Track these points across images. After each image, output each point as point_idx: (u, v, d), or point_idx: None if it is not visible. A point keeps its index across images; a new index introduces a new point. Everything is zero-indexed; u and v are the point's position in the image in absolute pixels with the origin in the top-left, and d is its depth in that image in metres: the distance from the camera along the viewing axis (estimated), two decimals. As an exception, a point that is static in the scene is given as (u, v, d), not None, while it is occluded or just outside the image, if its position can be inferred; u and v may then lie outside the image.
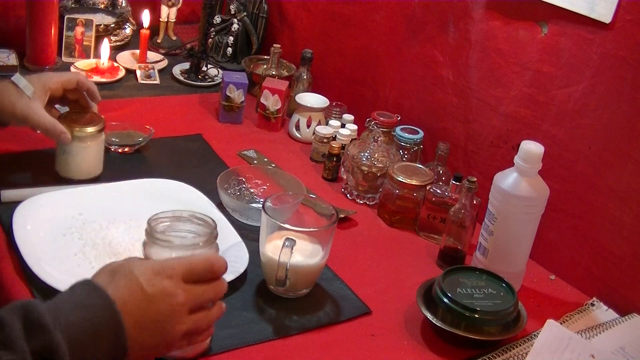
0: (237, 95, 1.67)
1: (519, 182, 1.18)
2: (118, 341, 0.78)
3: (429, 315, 1.10)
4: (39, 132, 1.47)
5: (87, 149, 1.31)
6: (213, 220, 0.98)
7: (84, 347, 0.76)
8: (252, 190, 1.39)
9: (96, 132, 1.31)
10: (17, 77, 1.24)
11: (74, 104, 1.35)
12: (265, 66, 1.84)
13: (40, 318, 0.74)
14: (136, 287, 0.80)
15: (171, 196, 1.27)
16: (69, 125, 1.28)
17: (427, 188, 1.35)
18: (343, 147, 1.51)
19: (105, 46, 1.79)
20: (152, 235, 0.94)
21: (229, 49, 2.01)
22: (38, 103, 1.24)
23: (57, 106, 1.36)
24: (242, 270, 1.14)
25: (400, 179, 1.36)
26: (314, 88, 1.77)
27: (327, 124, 1.63)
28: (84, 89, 1.33)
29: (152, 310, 0.80)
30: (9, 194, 1.23)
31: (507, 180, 1.19)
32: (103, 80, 1.76)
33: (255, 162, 1.53)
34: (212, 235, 0.96)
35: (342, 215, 1.36)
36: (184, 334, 0.84)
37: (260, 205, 1.14)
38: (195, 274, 0.85)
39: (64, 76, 1.32)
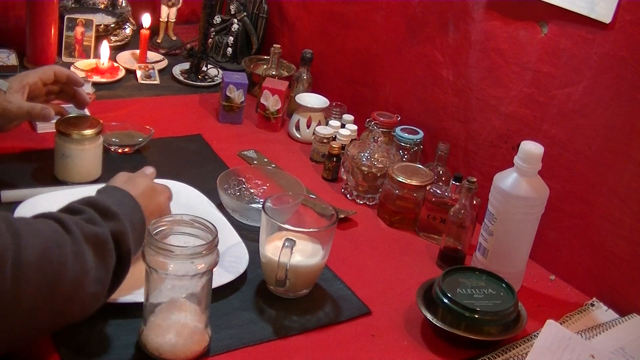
0: (237, 96, 1.67)
1: (519, 183, 1.18)
2: (143, 227, 1.00)
3: (429, 316, 1.10)
4: (39, 131, 1.48)
5: (85, 151, 1.31)
6: (214, 226, 0.97)
7: (133, 234, 0.97)
8: (252, 191, 1.39)
9: (94, 134, 1.31)
10: None
11: (63, 95, 1.35)
12: (265, 66, 1.84)
13: (110, 207, 0.95)
14: (145, 188, 1.08)
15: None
16: (66, 128, 1.29)
17: (427, 188, 1.35)
18: (343, 147, 1.51)
19: (105, 48, 1.79)
20: (151, 243, 0.93)
21: (229, 49, 2.01)
22: (16, 96, 1.24)
23: (64, 106, 1.36)
24: (242, 270, 1.15)
25: (400, 179, 1.36)
26: (314, 88, 1.77)
27: (327, 124, 1.63)
28: (63, 79, 1.33)
29: (150, 195, 1.08)
30: (9, 194, 1.23)
31: (507, 180, 1.19)
32: (103, 80, 1.76)
33: (255, 162, 1.53)
34: (212, 244, 0.95)
35: (342, 216, 1.36)
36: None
37: (260, 206, 1.14)
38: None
39: (41, 70, 1.32)
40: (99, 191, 1.03)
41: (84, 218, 0.92)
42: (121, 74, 1.82)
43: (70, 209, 0.95)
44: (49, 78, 1.31)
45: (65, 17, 1.82)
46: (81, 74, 1.72)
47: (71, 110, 1.38)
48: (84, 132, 1.30)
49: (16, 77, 1.28)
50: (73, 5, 1.95)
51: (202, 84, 1.86)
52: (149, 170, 1.15)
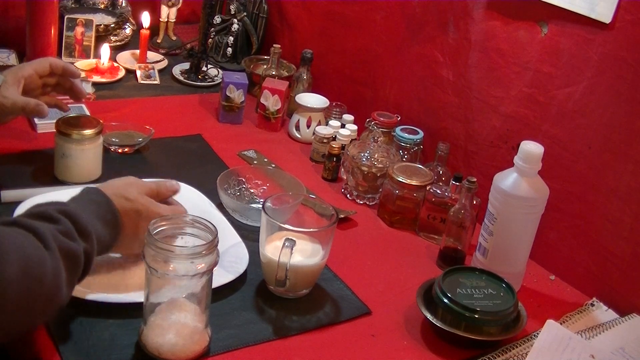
0: (237, 96, 1.67)
1: (519, 183, 1.18)
2: (114, 241, 1.02)
3: (429, 316, 1.10)
4: (39, 131, 1.48)
5: (85, 151, 1.31)
6: (214, 226, 0.97)
7: (100, 249, 0.98)
8: (252, 191, 1.39)
9: (94, 134, 1.31)
10: None
11: (59, 88, 1.34)
12: (265, 66, 1.84)
13: (86, 227, 0.94)
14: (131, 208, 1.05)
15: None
16: (66, 128, 1.29)
17: (427, 188, 1.35)
18: (343, 147, 1.51)
19: (105, 50, 1.79)
20: (151, 243, 0.93)
21: (229, 49, 2.01)
22: (11, 90, 1.22)
23: (70, 106, 1.36)
24: (242, 270, 1.15)
25: (400, 179, 1.36)
26: (313, 88, 1.77)
27: (327, 124, 1.63)
28: (58, 71, 1.31)
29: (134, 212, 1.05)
30: (9, 194, 1.23)
31: (507, 180, 1.19)
32: (103, 80, 1.76)
33: (255, 162, 1.53)
34: (212, 244, 0.95)
35: (342, 216, 1.36)
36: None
37: (260, 206, 1.14)
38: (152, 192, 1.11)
39: (36, 62, 1.30)
40: (73, 199, 1.00)
41: (60, 230, 0.91)
42: (121, 74, 1.82)
43: (44, 216, 0.92)
44: (44, 70, 1.29)
45: (65, 17, 1.82)
46: (81, 74, 1.72)
47: (71, 109, 1.38)
48: (84, 132, 1.30)
49: (11, 70, 1.26)
50: (73, 5, 1.95)
51: (202, 84, 1.86)
52: (174, 183, 1.15)
